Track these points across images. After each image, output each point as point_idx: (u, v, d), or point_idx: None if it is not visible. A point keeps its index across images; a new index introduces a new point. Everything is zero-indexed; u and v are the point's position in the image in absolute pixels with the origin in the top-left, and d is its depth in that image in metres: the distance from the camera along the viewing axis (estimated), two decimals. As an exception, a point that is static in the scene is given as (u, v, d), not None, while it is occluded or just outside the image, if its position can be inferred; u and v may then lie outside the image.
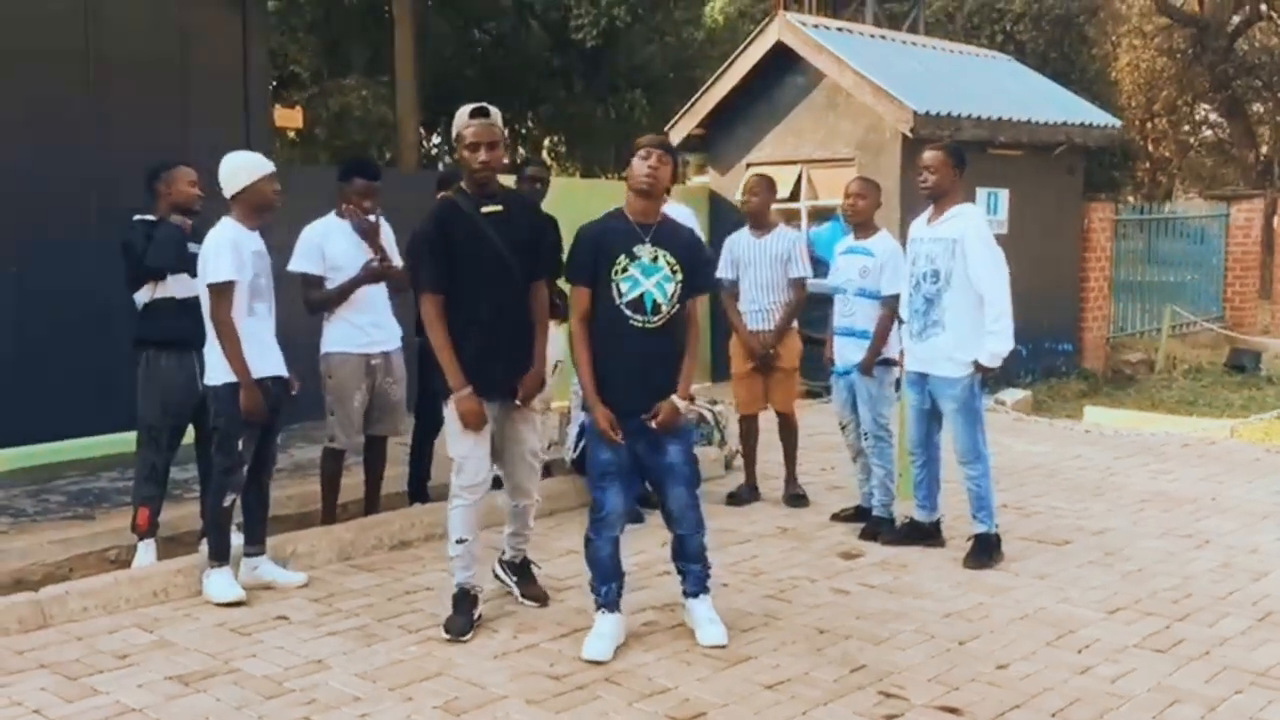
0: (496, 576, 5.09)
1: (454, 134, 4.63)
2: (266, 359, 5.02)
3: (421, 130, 21.65)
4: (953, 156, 5.59)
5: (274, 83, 17.61)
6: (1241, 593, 5.19)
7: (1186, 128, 32.43)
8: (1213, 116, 32.80)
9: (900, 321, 5.91)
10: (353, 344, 5.81)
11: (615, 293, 4.45)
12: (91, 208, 7.24)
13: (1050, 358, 12.60)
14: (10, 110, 7.04)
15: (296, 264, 5.75)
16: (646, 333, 4.46)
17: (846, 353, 6.21)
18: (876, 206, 6.29)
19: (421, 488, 6.44)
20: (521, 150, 25.44)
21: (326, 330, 5.85)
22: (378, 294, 5.89)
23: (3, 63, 7.01)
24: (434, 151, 26.15)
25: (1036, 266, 11.99)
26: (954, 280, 5.50)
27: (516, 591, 5.02)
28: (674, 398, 4.48)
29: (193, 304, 5.10)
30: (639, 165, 4.51)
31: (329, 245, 5.77)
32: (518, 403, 4.69)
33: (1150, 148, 30.41)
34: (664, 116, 14.62)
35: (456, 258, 4.56)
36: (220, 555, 4.99)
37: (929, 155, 5.61)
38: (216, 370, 4.94)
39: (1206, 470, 7.87)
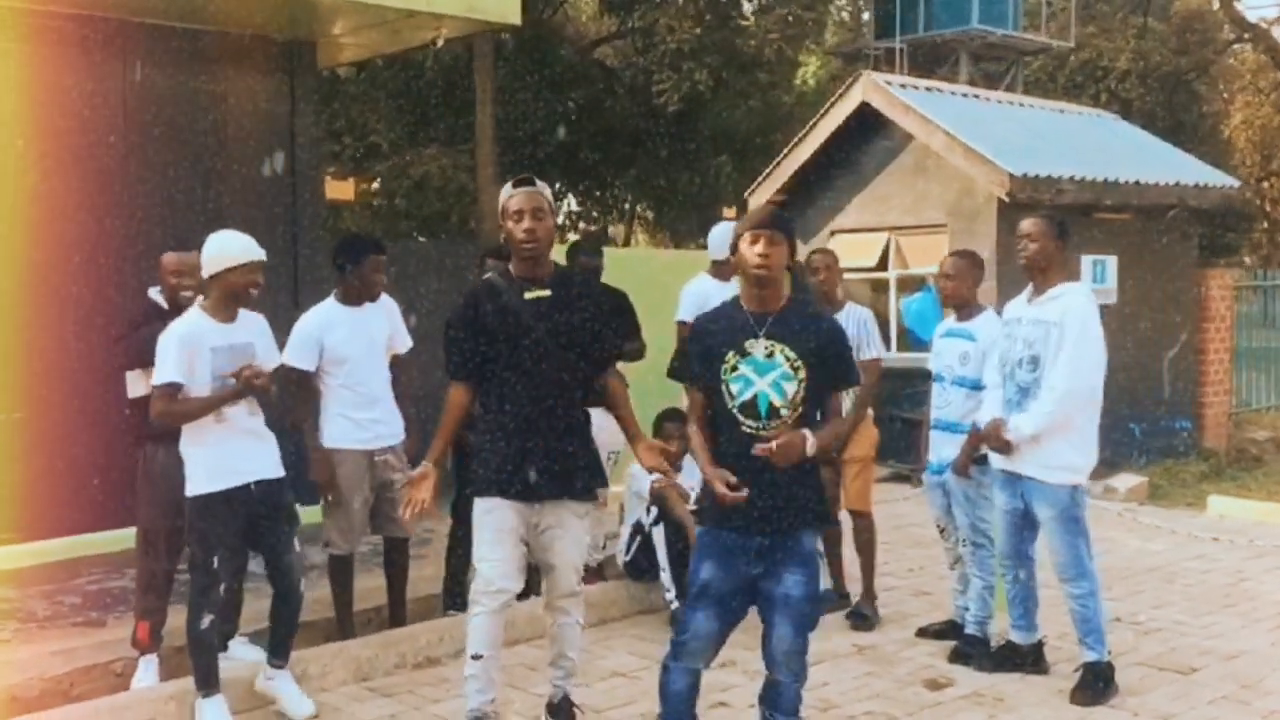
0: None
1: (499, 208, 4.17)
2: (247, 463, 4.46)
3: (502, 200, 21.41)
4: (1055, 226, 4.93)
5: (357, 153, 17.53)
6: None
7: (1307, 188, 30.91)
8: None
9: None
10: (353, 439, 5.29)
11: (727, 395, 3.75)
12: (126, 283, 6.90)
13: (1167, 436, 11.59)
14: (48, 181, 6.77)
15: (289, 356, 5.19)
16: (762, 441, 3.67)
17: (942, 449, 5.46)
18: (977, 284, 5.52)
19: (457, 594, 5.84)
20: (610, 220, 25.13)
21: (324, 426, 5.33)
22: (380, 384, 5.39)
23: (48, 129, 6.75)
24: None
25: (1148, 337, 11.13)
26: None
27: None
28: (805, 431, 3.64)
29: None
30: (748, 253, 3.74)
31: (329, 336, 5.26)
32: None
33: (1268, 208, 28.96)
34: (751, 183, 14.09)
35: (488, 348, 4.08)
36: (206, 682, 4.43)
37: (1028, 223, 4.96)
38: (190, 480, 4.42)
39: (1354, 576, 6.90)
